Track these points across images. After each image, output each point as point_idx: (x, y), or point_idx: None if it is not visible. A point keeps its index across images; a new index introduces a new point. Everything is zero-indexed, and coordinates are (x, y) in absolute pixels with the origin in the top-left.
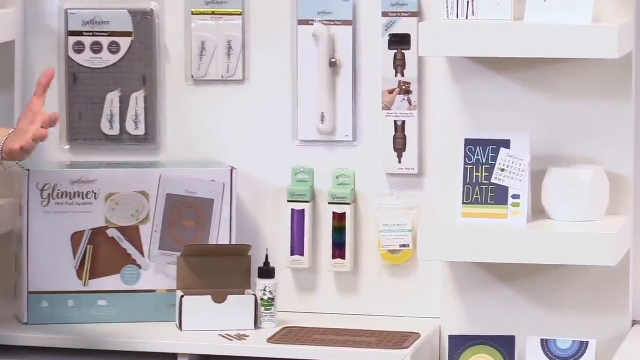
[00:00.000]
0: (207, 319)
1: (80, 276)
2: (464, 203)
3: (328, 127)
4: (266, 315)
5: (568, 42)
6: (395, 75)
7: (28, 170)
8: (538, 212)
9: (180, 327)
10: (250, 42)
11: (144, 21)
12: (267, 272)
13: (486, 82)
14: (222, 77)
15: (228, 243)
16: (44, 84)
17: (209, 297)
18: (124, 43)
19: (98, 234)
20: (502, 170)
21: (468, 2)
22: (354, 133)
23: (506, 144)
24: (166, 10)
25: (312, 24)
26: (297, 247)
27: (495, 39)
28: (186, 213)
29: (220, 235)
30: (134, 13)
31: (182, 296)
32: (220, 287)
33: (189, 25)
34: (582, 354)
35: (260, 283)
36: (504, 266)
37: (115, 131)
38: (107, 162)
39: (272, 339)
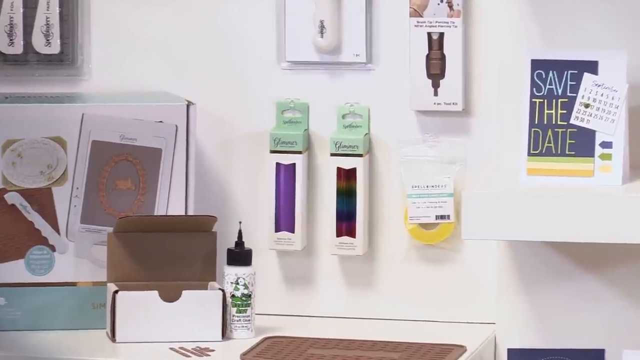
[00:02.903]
0: (153, 326)
1: None
2: (530, 154)
3: (330, 43)
4: (239, 320)
5: None
6: None
7: None
8: (639, 167)
9: (112, 336)
10: None
11: None
12: (240, 256)
13: None
14: None
15: (183, 214)
16: None
17: (154, 293)
18: None
19: None
20: (587, 106)
21: None
22: (368, 51)
23: (592, 67)
24: None
25: None
26: (284, 220)
27: None
28: (121, 169)
29: (171, 201)
30: None
31: (116, 292)
32: (172, 279)
33: None
34: None
35: (231, 272)
36: (587, 248)
37: (17, 49)
38: (5, 94)
39: (248, 355)
